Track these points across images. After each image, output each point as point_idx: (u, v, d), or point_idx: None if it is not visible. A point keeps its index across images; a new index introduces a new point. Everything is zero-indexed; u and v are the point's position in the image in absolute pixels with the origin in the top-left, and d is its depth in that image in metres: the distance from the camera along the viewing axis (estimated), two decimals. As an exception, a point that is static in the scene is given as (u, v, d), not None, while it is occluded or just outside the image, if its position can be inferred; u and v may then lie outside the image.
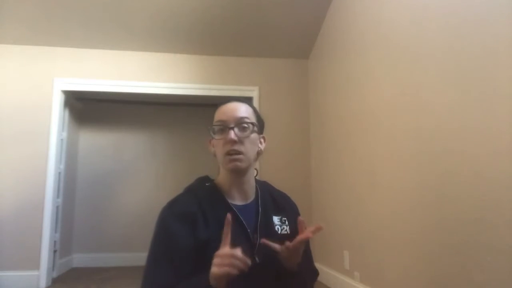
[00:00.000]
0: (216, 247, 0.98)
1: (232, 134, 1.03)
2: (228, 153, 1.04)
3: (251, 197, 1.14)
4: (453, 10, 1.84)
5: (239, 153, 1.04)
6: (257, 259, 1.02)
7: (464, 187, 1.73)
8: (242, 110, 1.08)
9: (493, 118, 1.58)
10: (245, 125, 1.06)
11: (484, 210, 1.61)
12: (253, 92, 3.90)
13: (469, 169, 1.71)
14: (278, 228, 1.12)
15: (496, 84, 1.57)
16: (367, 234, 2.68)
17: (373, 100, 2.65)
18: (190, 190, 1.11)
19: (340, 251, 3.08)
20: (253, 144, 1.08)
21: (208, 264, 0.97)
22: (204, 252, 0.98)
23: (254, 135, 1.08)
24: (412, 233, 2.15)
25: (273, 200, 1.18)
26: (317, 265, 3.92)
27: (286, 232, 1.12)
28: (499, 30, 1.56)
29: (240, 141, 1.04)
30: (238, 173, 1.08)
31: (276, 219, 1.13)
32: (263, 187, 1.19)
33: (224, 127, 1.05)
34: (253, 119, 1.10)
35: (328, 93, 3.48)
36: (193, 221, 1.01)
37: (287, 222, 1.14)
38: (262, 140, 1.15)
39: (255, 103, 3.86)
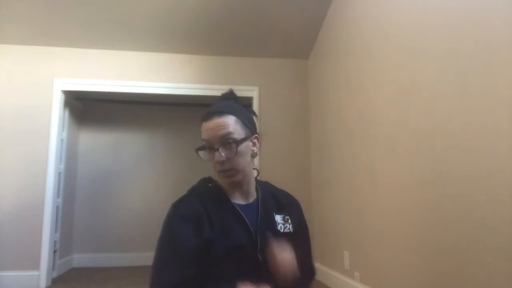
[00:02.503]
0: (220, 246, 1.00)
1: (218, 156, 1.03)
2: (221, 171, 1.06)
3: (253, 196, 1.15)
4: (453, 9, 1.84)
5: (231, 169, 1.05)
6: (260, 257, 1.03)
7: (465, 187, 1.73)
8: (225, 125, 1.04)
9: (494, 118, 1.58)
10: (230, 143, 1.04)
11: (484, 210, 1.61)
12: (253, 92, 3.90)
13: (469, 168, 1.71)
14: (281, 227, 1.12)
15: (497, 83, 1.57)
16: (367, 234, 2.68)
17: (373, 100, 2.65)
18: (194, 191, 1.12)
19: (340, 251, 3.08)
20: (243, 155, 1.07)
21: (211, 263, 0.98)
22: (208, 252, 0.99)
23: (243, 146, 1.06)
24: (413, 233, 2.15)
25: (275, 199, 1.18)
26: (317, 265, 3.92)
27: (289, 230, 1.13)
28: (499, 30, 1.56)
29: (228, 159, 1.04)
30: (236, 184, 1.10)
31: (278, 218, 1.14)
32: (264, 187, 1.20)
33: (210, 148, 1.06)
34: (238, 130, 1.06)
35: (328, 93, 3.48)
36: (198, 221, 1.02)
37: (290, 221, 1.15)
38: (255, 141, 1.14)
39: (255, 103, 3.86)
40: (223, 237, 1.01)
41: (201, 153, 1.08)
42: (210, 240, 1.00)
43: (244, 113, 1.12)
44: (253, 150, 1.12)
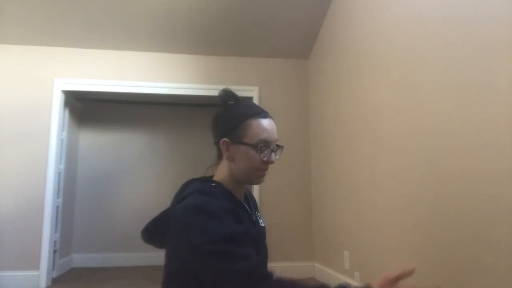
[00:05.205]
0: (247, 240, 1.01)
1: (273, 157, 1.09)
2: (262, 170, 1.09)
3: (243, 197, 1.19)
4: (453, 9, 1.84)
5: (267, 171, 1.11)
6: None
7: (465, 186, 1.73)
8: (276, 130, 1.12)
9: (492, 117, 1.58)
10: (279, 147, 1.12)
11: (485, 210, 1.61)
12: (253, 92, 3.90)
13: (469, 168, 1.71)
14: (259, 222, 1.20)
15: (495, 82, 1.57)
16: (367, 234, 2.68)
17: (373, 100, 2.65)
18: (209, 192, 1.04)
19: (340, 251, 3.08)
20: None
21: None
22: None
23: None
24: (413, 233, 2.15)
25: (251, 199, 1.26)
26: (317, 265, 3.91)
27: (263, 225, 1.23)
28: (498, 29, 1.56)
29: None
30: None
31: (257, 214, 1.22)
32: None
33: (267, 148, 1.08)
34: None
35: (328, 93, 3.48)
36: (234, 216, 1.00)
37: (260, 216, 1.25)
38: None
39: (255, 103, 3.86)
40: (248, 233, 1.04)
41: (249, 148, 1.06)
42: (247, 233, 1.02)
43: None
44: None
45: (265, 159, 1.06)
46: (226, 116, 1.12)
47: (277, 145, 1.11)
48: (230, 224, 0.95)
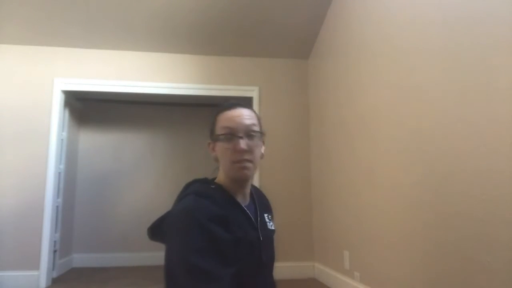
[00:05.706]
0: (242, 247, 1.00)
1: (242, 144, 1.01)
2: (238, 162, 1.03)
3: (248, 197, 1.16)
4: (452, 9, 1.84)
5: (249, 161, 1.04)
6: (263, 257, 1.08)
7: (464, 186, 1.73)
8: (249, 117, 1.07)
9: (493, 117, 1.58)
10: (253, 134, 1.05)
11: (484, 210, 1.61)
12: (253, 92, 3.90)
13: (469, 168, 1.71)
14: (268, 225, 1.18)
15: (495, 82, 1.57)
16: (367, 234, 2.68)
17: (373, 100, 2.65)
18: (206, 195, 1.03)
19: (340, 251, 3.08)
20: (259, 150, 1.09)
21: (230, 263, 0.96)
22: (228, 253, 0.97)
23: (259, 142, 1.08)
24: (412, 233, 2.15)
25: (259, 199, 1.23)
26: (317, 265, 3.91)
27: (273, 228, 1.20)
28: (498, 29, 1.56)
29: (250, 149, 1.03)
30: (244, 180, 1.08)
31: (266, 217, 1.19)
32: (253, 188, 1.23)
33: (232, 136, 1.03)
34: (257, 125, 1.10)
35: (328, 93, 3.48)
36: (223, 224, 0.98)
37: (272, 219, 1.23)
38: (262, 143, 1.16)
39: (255, 103, 3.87)
40: (243, 238, 1.01)
41: (219, 142, 1.05)
42: (236, 240, 0.98)
43: (258, 117, 1.15)
44: (261, 152, 1.14)
45: (230, 147, 1.02)
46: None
47: (253, 132, 1.05)
48: (217, 233, 0.93)
